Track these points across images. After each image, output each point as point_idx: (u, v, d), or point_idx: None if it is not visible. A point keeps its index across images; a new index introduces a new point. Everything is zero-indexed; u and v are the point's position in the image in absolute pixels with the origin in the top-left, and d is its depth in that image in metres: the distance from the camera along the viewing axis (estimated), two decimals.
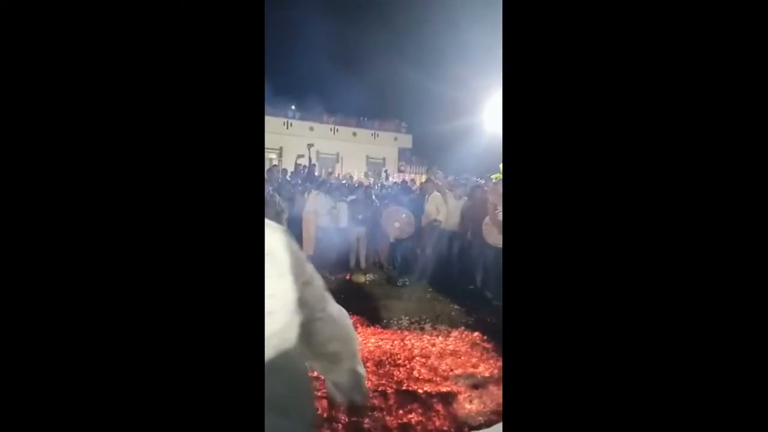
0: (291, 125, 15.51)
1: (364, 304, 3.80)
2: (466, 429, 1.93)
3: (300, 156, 6.86)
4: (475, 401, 2.16)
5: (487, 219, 4.22)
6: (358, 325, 3.28)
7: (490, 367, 2.57)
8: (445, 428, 1.92)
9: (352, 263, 5.20)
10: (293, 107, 16.00)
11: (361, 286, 4.57)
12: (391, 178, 9.39)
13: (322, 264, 5.06)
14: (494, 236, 4.17)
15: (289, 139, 13.67)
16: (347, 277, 4.83)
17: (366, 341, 2.94)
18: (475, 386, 2.31)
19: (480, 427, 1.95)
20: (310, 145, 6.89)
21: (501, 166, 6.92)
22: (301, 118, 16.04)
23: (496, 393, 2.24)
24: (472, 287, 4.39)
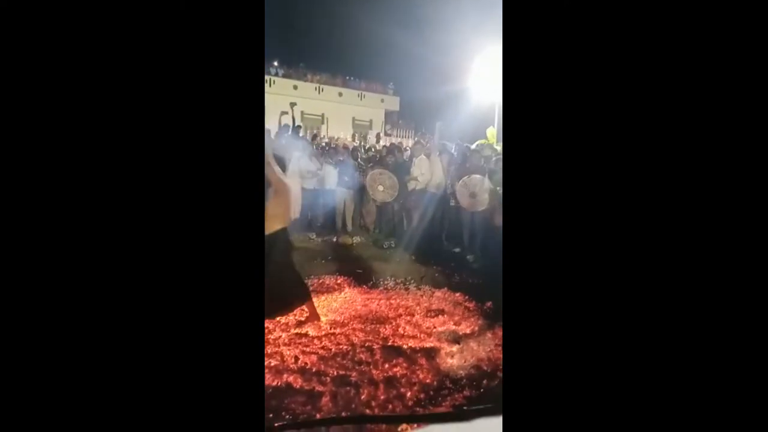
0: (274, 83, 14.89)
1: (351, 266, 3.87)
2: (447, 381, 2.05)
3: (284, 113, 6.64)
4: (456, 356, 2.28)
5: (459, 182, 4.27)
6: (346, 285, 3.36)
7: (471, 324, 2.69)
8: (428, 381, 2.04)
9: (339, 226, 5.23)
10: (275, 63, 15.29)
11: (348, 249, 4.63)
12: (381, 142, 9.26)
13: (309, 226, 5.07)
14: (466, 199, 4.25)
15: (272, 98, 13.18)
16: (334, 240, 4.88)
17: (353, 301, 3.02)
18: (457, 342, 2.43)
19: (461, 379, 2.08)
20: (293, 104, 6.63)
21: (488, 131, 6.88)
22: (285, 76, 15.39)
23: (475, 349, 2.36)
24: (457, 250, 4.50)
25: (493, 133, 6.97)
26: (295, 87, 15.15)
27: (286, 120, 6.46)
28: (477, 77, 9.56)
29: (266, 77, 14.61)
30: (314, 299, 3.03)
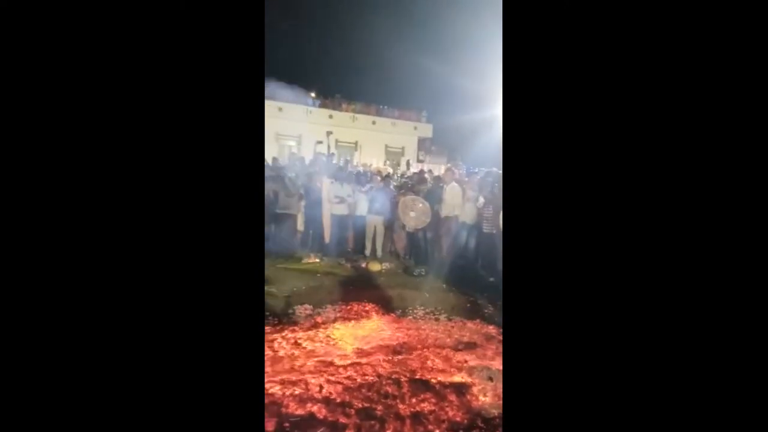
0: (311, 113, 15.57)
1: (379, 293, 3.82)
2: (479, 421, 1.92)
3: (319, 142, 6.88)
4: (489, 394, 2.14)
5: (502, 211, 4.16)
6: (374, 313, 3.29)
7: None
8: (457, 419, 1.92)
9: (368, 252, 5.21)
10: (313, 95, 16.02)
11: (376, 275, 4.58)
12: (411, 168, 9.33)
13: (338, 251, 5.09)
14: None
15: (309, 127, 13.74)
16: (363, 266, 4.85)
17: (381, 329, 2.95)
18: (490, 378, 2.29)
19: (493, 419, 1.94)
20: (329, 133, 6.89)
21: None
22: (321, 106, 16.06)
23: None
24: (492, 280, 4.34)
25: None
26: (331, 116, 15.74)
27: (321, 148, 6.69)
28: None
29: (304, 108, 15.32)
30: (342, 326, 2.99)
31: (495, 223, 4.28)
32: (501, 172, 5.79)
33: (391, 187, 5.66)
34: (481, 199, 4.71)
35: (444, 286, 4.19)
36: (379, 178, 5.74)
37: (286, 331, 2.80)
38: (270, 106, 12.73)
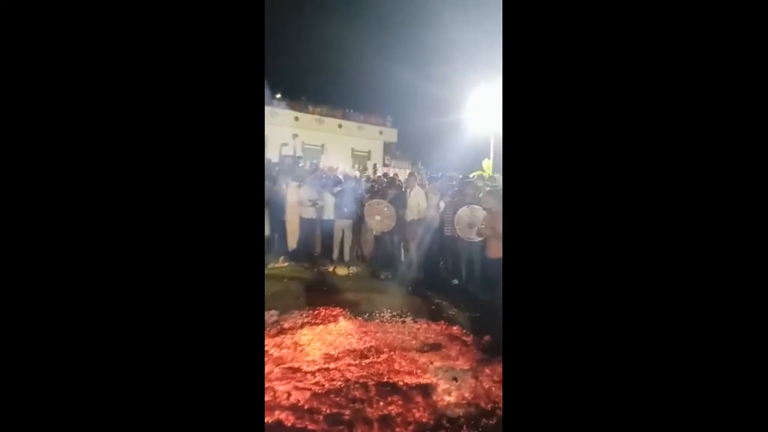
0: (276, 115, 15.27)
1: (347, 297, 3.83)
2: (444, 420, 1.98)
3: (284, 144, 6.77)
4: (454, 393, 2.22)
5: (459, 212, 4.31)
6: (341, 317, 3.30)
7: (468, 360, 2.63)
8: (424, 420, 1.97)
9: (336, 255, 5.20)
10: (278, 96, 15.74)
11: (344, 279, 4.58)
12: (378, 172, 9.40)
13: (305, 256, 5.04)
14: (465, 229, 4.26)
15: (274, 129, 13.47)
16: (331, 270, 4.84)
17: (348, 334, 2.96)
18: (455, 378, 2.37)
19: (458, 418, 2.01)
20: (295, 136, 6.81)
21: (483, 163, 6.99)
22: (287, 108, 15.80)
23: (474, 385, 2.30)
24: (456, 282, 4.47)
25: (489, 165, 7.09)
26: (297, 118, 15.51)
27: (287, 151, 6.59)
28: (473, 109, 9.87)
29: (269, 109, 14.99)
30: (309, 331, 2.98)
31: (452, 225, 4.42)
32: (460, 175, 5.96)
33: (360, 191, 5.68)
34: (442, 203, 4.84)
35: (409, 288, 4.27)
36: (353, 180, 5.75)
37: None
38: None
